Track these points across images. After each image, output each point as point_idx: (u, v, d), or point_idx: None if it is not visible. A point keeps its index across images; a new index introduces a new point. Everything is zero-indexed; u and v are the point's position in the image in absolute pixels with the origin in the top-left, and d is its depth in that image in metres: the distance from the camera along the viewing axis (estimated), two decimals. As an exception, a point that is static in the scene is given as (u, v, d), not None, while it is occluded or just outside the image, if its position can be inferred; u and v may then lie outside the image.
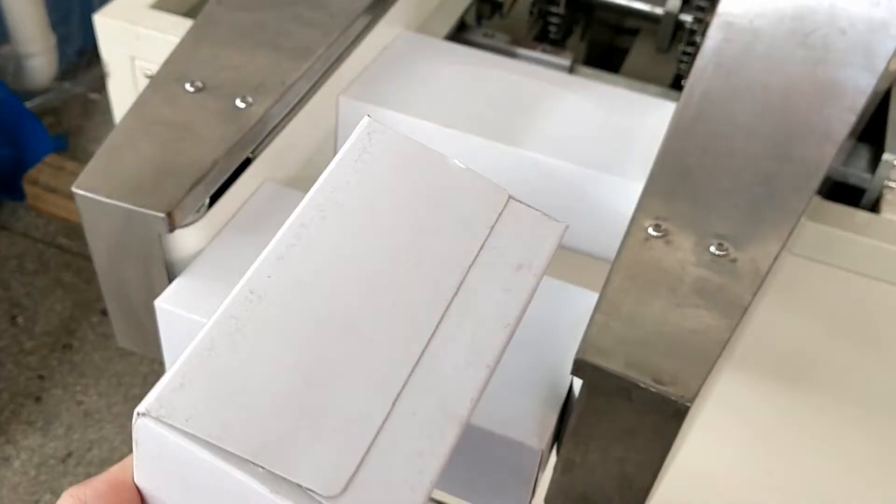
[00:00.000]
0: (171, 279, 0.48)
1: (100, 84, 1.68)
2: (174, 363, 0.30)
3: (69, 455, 1.22)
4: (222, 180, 0.49)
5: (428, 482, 0.30)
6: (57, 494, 1.18)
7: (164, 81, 0.53)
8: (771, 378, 0.78)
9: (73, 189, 0.46)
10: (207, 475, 0.29)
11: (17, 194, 1.49)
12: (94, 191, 0.46)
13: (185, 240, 0.48)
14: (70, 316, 1.37)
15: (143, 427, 0.29)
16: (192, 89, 0.52)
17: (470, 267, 0.35)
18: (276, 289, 0.32)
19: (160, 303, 0.47)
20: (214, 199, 0.50)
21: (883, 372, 0.73)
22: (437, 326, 0.33)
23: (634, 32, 1.01)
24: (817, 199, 0.64)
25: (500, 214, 0.37)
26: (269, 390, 0.30)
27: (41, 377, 1.30)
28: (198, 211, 0.48)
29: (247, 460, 0.28)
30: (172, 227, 0.46)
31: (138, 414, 0.29)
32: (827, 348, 0.74)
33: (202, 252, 0.49)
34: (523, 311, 0.36)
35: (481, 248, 0.35)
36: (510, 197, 0.37)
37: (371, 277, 0.33)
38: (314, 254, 0.33)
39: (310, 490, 0.28)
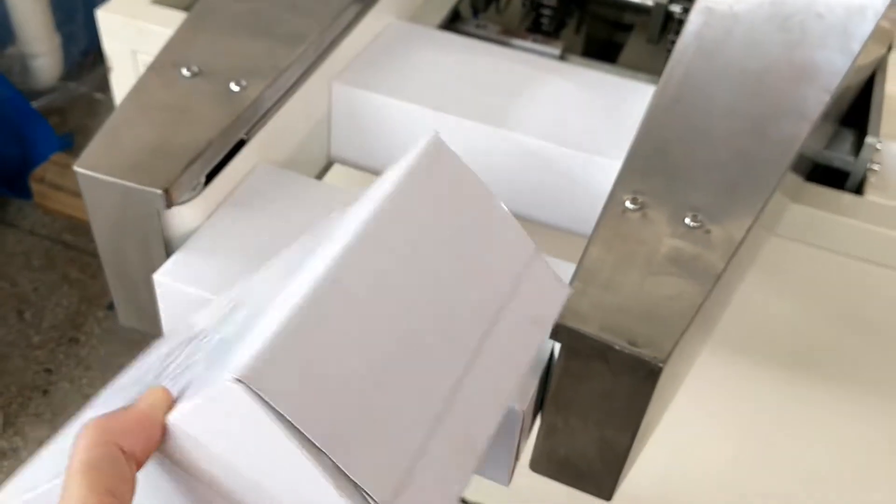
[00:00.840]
0: (168, 255, 0.50)
1: (104, 84, 1.71)
2: (256, 331, 0.30)
3: (76, 446, 1.24)
4: (217, 160, 0.51)
5: (453, 494, 0.33)
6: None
7: (161, 67, 0.55)
8: (757, 360, 0.80)
9: (75, 167, 0.48)
10: (271, 450, 0.29)
11: (24, 192, 1.51)
12: (95, 169, 0.48)
13: (182, 217, 0.50)
14: (76, 311, 1.39)
15: (231, 390, 0.29)
16: (188, 74, 0.54)
17: (499, 312, 0.37)
18: (354, 286, 0.33)
19: (159, 276, 0.49)
20: (210, 178, 0.52)
21: (870, 352, 0.75)
22: (471, 362, 0.35)
23: (630, 28, 1.03)
24: (802, 182, 0.65)
25: (527, 266, 0.39)
26: (349, 377, 0.31)
27: (48, 371, 1.32)
28: (194, 189, 0.50)
29: (319, 449, 0.29)
30: (169, 204, 0.48)
31: (234, 380, 0.28)
32: (813, 329, 0.75)
33: (198, 228, 0.51)
34: (530, 361, 0.39)
35: (513, 292, 0.38)
36: (536, 249, 0.40)
37: (422, 305, 0.35)
38: (382, 260, 0.34)
39: (368, 495, 0.29)
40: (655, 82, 0.77)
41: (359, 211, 0.36)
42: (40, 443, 1.28)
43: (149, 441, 0.31)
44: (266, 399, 0.28)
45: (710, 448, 0.89)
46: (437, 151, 0.38)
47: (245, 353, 0.29)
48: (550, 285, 0.40)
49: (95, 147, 0.49)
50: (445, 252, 0.36)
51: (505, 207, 0.39)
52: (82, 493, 0.29)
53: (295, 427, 0.29)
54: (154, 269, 0.49)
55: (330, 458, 0.29)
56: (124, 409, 0.31)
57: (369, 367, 0.32)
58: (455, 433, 0.33)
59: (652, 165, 0.52)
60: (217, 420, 0.30)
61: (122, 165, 0.48)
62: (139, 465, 0.31)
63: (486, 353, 0.36)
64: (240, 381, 0.28)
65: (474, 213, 0.38)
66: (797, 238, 0.68)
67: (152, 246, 0.50)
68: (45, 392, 1.30)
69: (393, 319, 0.33)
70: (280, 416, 0.29)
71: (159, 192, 0.47)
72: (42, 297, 1.41)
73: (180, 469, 0.33)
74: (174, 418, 0.31)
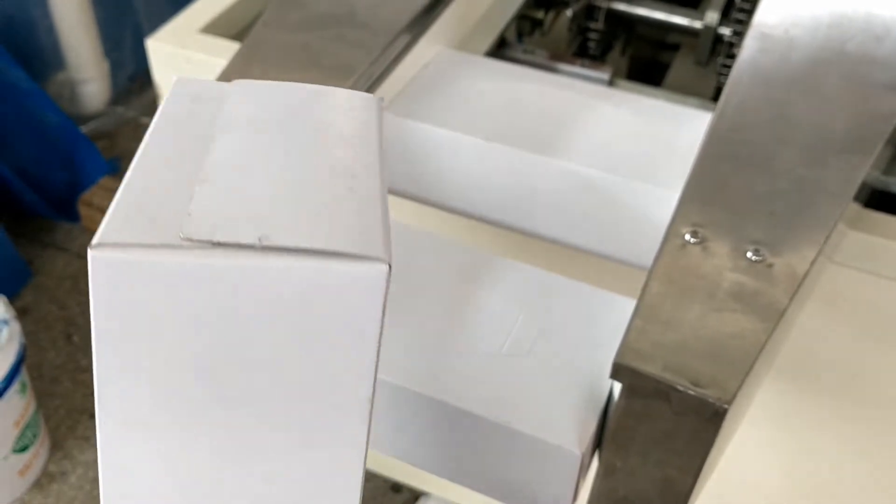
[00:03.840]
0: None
1: (151, 109, 1.73)
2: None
3: (123, 469, 1.25)
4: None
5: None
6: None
7: (214, 101, 0.55)
8: (817, 389, 0.78)
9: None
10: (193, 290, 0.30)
11: (73, 216, 1.53)
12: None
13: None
14: (124, 334, 1.41)
15: (96, 260, 0.30)
16: (240, 108, 0.54)
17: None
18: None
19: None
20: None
21: (931, 381, 0.73)
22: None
23: (676, 48, 1.02)
24: (859, 208, 0.64)
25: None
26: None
27: (96, 393, 1.34)
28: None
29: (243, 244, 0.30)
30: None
31: (91, 249, 0.30)
32: (873, 358, 0.73)
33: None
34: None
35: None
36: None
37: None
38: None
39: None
40: (705, 106, 0.77)
41: None
42: (88, 466, 1.29)
43: None
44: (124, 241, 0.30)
45: (763, 479, 0.87)
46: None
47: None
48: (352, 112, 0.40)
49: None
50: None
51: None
52: None
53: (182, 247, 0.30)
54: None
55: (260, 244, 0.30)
56: None
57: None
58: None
59: (711, 197, 0.51)
60: (118, 293, 0.31)
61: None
62: None
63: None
64: (96, 246, 0.30)
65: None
66: (855, 265, 0.66)
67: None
68: (93, 415, 1.31)
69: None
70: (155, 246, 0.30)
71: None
72: (90, 320, 1.42)
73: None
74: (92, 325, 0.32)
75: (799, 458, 0.84)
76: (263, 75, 0.57)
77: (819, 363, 0.75)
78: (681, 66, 0.98)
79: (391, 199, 0.66)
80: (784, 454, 0.85)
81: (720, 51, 0.88)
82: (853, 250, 0.65)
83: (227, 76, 0.57)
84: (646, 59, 1.07)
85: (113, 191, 1.53)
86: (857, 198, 0.59)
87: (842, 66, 0.60)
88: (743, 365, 0.43)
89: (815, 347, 0.74)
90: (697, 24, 0.87)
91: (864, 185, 0.59)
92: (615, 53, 0.99)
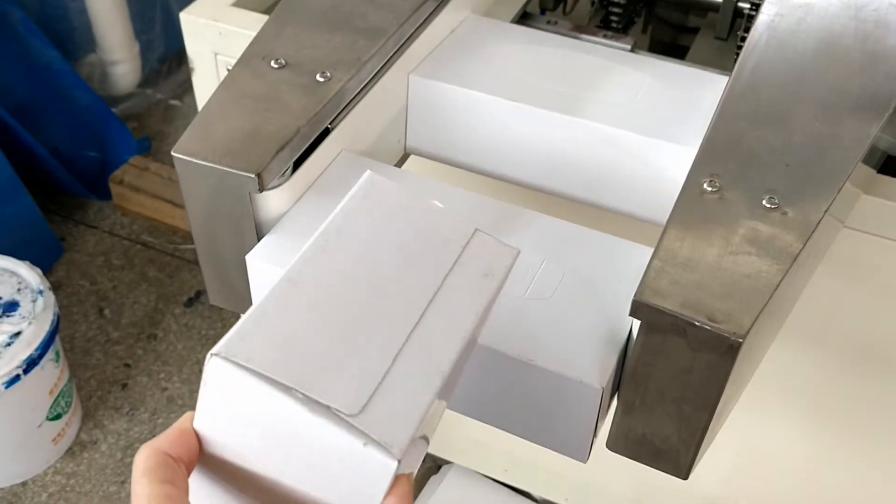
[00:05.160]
0: (259, 238, 0.53)
1: (180, 91, 1.76)
2: (241, 319, 0.38)
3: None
4: (305, 147, 0.54)
5: (422, 403, 0.38)
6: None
7: (250, 60, 0.57)
8: (827, 352, 0.79)
9: (173, 153, 0.51)
10: (262, 407, 0.36)
11: (104, 194, 1.56)
12: (192, 155, 0.50)
13: (272, 201, 0.52)
14: (154, 308, 1.44)
15: (214, 366, 0.36)
16: (276, 66, 0.56)
17: (447, 274, 0.43)
18: (308, 279, 0.41)
19: (251, 257, 0.51)
20: (297, 165, 0.54)
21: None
22: (422, 314, 0.41)
23: (696, 31, 1.04)
24: (873, 173, 0.65)
25: (469, 243, 0.45)
26: (312, 341, 0.38)
27: (127, 365, 1.37)
28: (283, 175, 0.53)
29: (291, 388, 0.36)
30: (261, 188, 0.50)
31: (211, 355, 0.36)
32: (883, 322, 0.75)
33: (288, 212, 0.53)
34: (490, 303, 0.43)
35: (456, 261, 0.44)
36: (476, 229, 0.45)
37: (374, 290, 0.42)
38: (332, 266, 0.42)
39: (336, 409, 0.36)
40: (725, 74, 0.78)
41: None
42: (119, 435, 1.32)
43: (189, 447, 0.38)
44: (241, 363, 0.36)
45: (779, 441, 0.89)
46: (370, 185, 0.45)
47: (225, 336, 0.37)
48: (497, 250, 0.45)
49: (191, 134, 0.52)
50: (390, 251, 0.43)
51: (439, 204, 0.46)
52: (147, 489, 0.35)
53: (269, 378, 0.36)
54: (245, 251, 0.52)
55: (302, 393, 0.36)
56: (167, 430, 0.39)
57: (334, 326, 0.39)
58: (417, 362, 0.39)
59: (728, 150, 0.53)
60: (221, 400, 0.37)
61: (217, 151, 0.51)
62: (189, 469, 0.38)
63: (439, 302, 0.42)
64: (216, 355, 0.36)
65: (412, 220, 0.45)
66: (869, 230, 0.68)
67: (244, 228, 0.52)
68: (124, 386, 1.34)
69: (348, 297, 0.41)
70: (258, 374, 0.36)
71: (252, 176, 0.49)
72: (121, 294, 1.46)
73: (222, 476, 0.39)
74: (193, 420, 0.38)
75: (813, 423, 0.86)
76: (296, 38, 0.59)
77: (832, 328, 0.77)
78: (701, 43, 0.99)
79: (416, 161, 0.68)
80: (798, 418, 0.86)
81: (740, 25, 0.89)
82: (867, 215, 0.66)
83: (261, 39, 0.59)
84: (668, 41, 1.08)
85: (143, 169, 1.56)
86: (870, 162, 0.61)
87: (857, 30, 0.61)
88: (757, 303, 0.44)
89: (830, 311, 0.75)
90: (718, -1, 0.88)
91: (877, 150, 0.61)
92: (636, 31, 1.01)
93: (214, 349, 0.37)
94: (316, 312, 0.39)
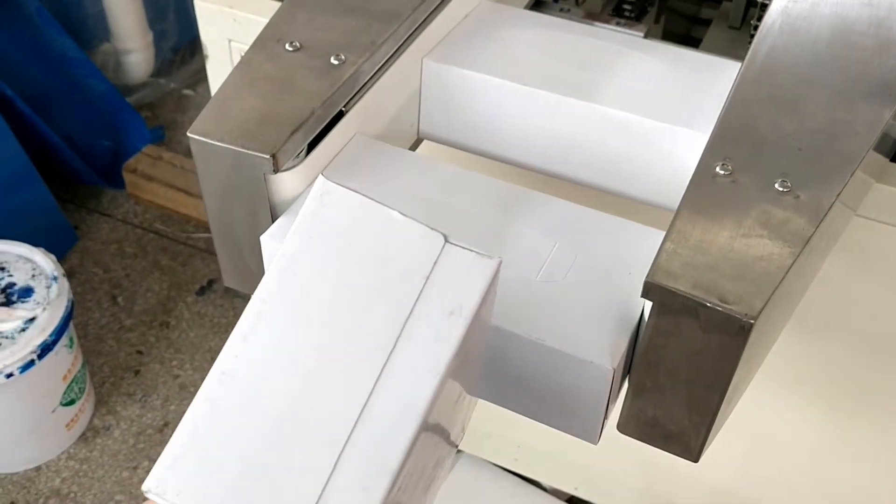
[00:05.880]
0: (274, 219, 0.53)
1: (193, 80, 1.77)
2: (174, 436, 0.38)
3: (166, 425, 1.29)
4: (319, 129, 0.54)
5: None
6: (154, 462, 1.25)
7: (265, 42, 0.58)
8: (843, 342, 0.79)
9: (189, 133, 0.51)
10: None
11: (117, 182, 1.57)
12: (207, 135, 0.51)
13: (287, 182, 0.53)
14: (167, 296, 1.44)
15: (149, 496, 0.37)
16: (290, 49, 0.57)
17: (407, 319, 0.39)
18: (242, 368, 0.38)
19: (266, 238, 0.52)
20: (312, 147, 0.54)
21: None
22: (377, 380, 0.38)
23: (708, 23, 1.03)
24: (886, 161, 0.65)
25: (436, 261, 0.40)
26: (242, 462, 0.37)
27: (140, 352, 1.38)
28: (297, 157, 0.53)
29: None
30: (276, 169, 0.51)
31: (146, 490, 0.37)
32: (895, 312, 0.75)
33: (302, 194, 0.54)
34: (455, 356, 0.39)
35: (418, 297, 0.39)
36: (446, 241, 0.41)
37: (323, 342, 0.38)
38: (273, 328, 0.39)
39: None
40: (739, 61, 0.78)
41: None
42: (132, 421, 1.33)
43: None
44: (170, 500, 0.36)
45: (788, 431, 0.89)
46: (322, 195, 0.42)
47: (155, 465, 0.38)
48: (468, 268, 0.40)
49: (206, 115, 0.52)
50: (345, 284, 0.39)
51: (403, 216, 0.41)
52: None
53: None
54: (260, 232, 0.52)
55: None
56: None
57: (264, 434, 0.37)
58: (365, 458, 0.36)
59: (741, 134, 0.53)
60: None
61: (232, 132, 0.51)
62: None
63: (397, 366, 0.38)
64: (148, 492, 0.37)
65: (374, 234, 0.41)
66: (880, 218, 0.68)
67: (259, 210, 0.53)
68: (137, 373, 1.35)
69: (289, 375, 0.38)
70: None
71: (267, 157, 0.50)
72: (134, 282, 1.47)
73: None
74: None
75: (823, 415, 0.86)
76: (310, 21, 0.60)
77: (844, 318, 0.77)
78: (714, 34, 0.99)
79: (429, 146, 0.69)
80: (808, 410, 0.86)
81: (753, 14, 0.89)
82: (879, 204, 0.66)
83: (276, 22, 0.60)
84: (679, 35, 1.08)
85: (157, 158, 1.56)
86: (883, 150, 0.61)
87: (870, 16, 0.61)
88: (769, 284, 0.45)
89: (842, 300, 0.75)
90: (731, -14, 0.88)
91: (890, 138, 0.61)
92: (648, 21, 1.01)
93: (147, 481, 0.37)
94: (250, 412, 0.37)
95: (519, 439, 1.10)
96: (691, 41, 1.03)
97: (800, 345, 0.79)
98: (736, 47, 0.93)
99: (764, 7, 0.86)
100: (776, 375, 0.78)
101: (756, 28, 0.88)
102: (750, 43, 0.89)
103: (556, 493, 1.15)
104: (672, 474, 1.01)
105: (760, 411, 0.86)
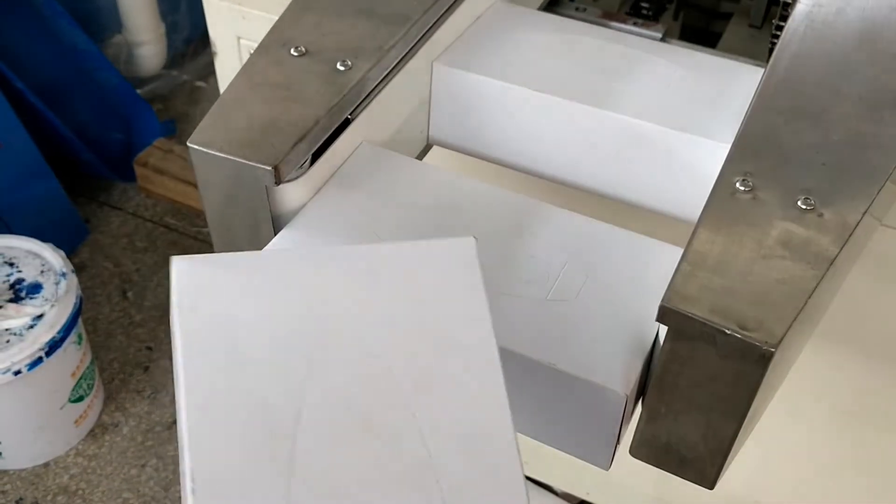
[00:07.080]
0: (276, 232, 0.51)
1: (205, 72, 1.75)
2: None
3: (174, 422, 1.28)
4: (324, 138, 0.52)
5: None
6: (162, 459, 1.24)
7: (269, 47, 0.56)
8: (865, 352, 0.77)
9: (188, 143, 0.49)
10: None
11: (128, 176, 1.56)
12: (208, 145, 0.49)
13: (289, 194, 0.51)
14: (176, 291, 1.43)
15: None
16: (296, 54, 0.55)
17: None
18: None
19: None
20: (316, 157, 0.52)
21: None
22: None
23: (728, 16, 1.01)
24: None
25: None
26: None
27: (149, 348, 1.37)
28: (301, 167, 0.51)
29: None
30: (278, 181, 0.49)
31: None
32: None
33: (305, 206, 0.52)
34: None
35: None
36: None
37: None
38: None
39: None
40: (760, 66, 0.76)
41: None
42: (140, 418, 1.32)
43: None
44: None
45: (805, 442, 0.87)
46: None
47: None
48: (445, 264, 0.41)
49: (207, 124, 0.50)
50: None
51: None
52: None
53: None
54: (262, 245, 0.51)
55: None
56: None
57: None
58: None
59: (762, 147, 0.51)
60: None
61: (233, 142, 0.49)
62: None
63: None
64: None
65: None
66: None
67: (261, 222, 0.51)
68: (146, 368, 1.34)
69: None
70: None
71: (269, 168, 0.48)
72: (144, 277, 1.46)
73: None
74: None
75: (842, 424, 0.84)
76: (316, 25, 0.58)
77: (864, 326, 0.75)
78: (734, 30, 0.97)
79: (438, 152, 0.67)
80: (826, 420, 0.84)
81: (774, 13, 0.86)
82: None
83: (281, 25, 0.58)
84: (698, 29, 1.06)
85: (168, 151, 1.55)
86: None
87: (900, 21, 0.59)
88: (791, 310, 0.43)
89: (862, 309, 0.73)
90: (753, -15, 0.85)
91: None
92: (667, 17, 0.98)
93: None
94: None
95: (531, 443, 1.08)
96: (711, 36, 1.01)
97: (817, 354, 0.77)
98: (757, 43, 0.91)
99: (786, 6, 0.84)
100: (792, 384, 0.76)
101: (778, 28, 0.85)
102: (771, 43, 0.87)
103: (567, 497, 1.13)
104: (685, 483, 0.99)
105: (776, 420, 0.84)
